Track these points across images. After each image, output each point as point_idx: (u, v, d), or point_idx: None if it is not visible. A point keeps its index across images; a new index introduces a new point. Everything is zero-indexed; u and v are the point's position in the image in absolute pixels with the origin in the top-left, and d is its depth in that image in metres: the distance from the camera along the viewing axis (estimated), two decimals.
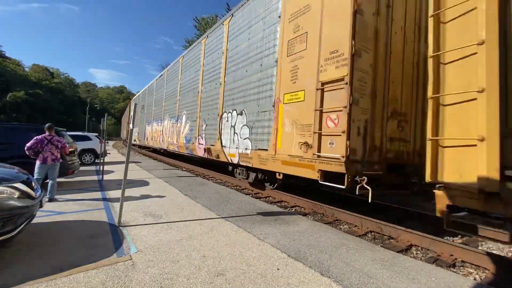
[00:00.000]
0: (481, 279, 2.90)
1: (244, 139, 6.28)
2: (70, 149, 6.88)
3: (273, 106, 5.44)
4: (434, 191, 2.58)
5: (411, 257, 3.29)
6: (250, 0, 6.71)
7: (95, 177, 8.26)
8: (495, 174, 2.09)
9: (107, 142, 28.38)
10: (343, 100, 3.97)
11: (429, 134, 2.60)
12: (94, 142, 13.03)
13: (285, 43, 5.24)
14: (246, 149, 6.19)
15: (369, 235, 4.15)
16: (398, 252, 3.41)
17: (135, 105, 4.40)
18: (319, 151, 4.30)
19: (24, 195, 3.00)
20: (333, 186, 4.09)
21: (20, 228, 2.83)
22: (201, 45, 9.61)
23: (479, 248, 3.64)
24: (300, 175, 4.66)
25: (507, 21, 2.16)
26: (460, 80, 2.41)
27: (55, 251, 2.95)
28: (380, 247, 3.47)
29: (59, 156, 5.35)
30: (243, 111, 6.48)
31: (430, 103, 2.61)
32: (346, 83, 3.93)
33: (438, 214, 2.56)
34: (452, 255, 3.35)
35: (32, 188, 3.24)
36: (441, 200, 2.50)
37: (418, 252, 3.59)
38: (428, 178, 2.59)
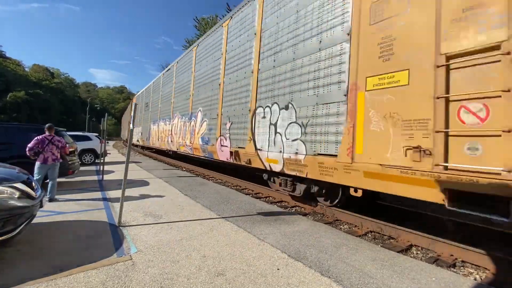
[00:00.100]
0: (481, 279, 2.90)
1: (293, 140, 4.87)
2: (70, 149, 6.88)
3: (345, 95, 3.96)
4: None
5: (411, 257, 3.29)
6: None
7: (95, 177, 8.26)
8: None
9: (107, 142, 28.42)
10: (498, 81, 2.57)
11: None
12: (94, 142, 13.04)
13: (364, 8, 3.82)
14: (296, 153, 4.78)
15: (369, 235, 4.15)
16: (398, 252, 3.40)
17: (135, 105, 4.40)
18: (446, 160, 2.86)
19: (24, 195, 3.00)
20: (476, 214, 2.67)
21: (20, 228, 2.83)
22: (222, 30, 8.13)
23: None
24: (404, 195, 3.21)
25: None
26: None
27: (55, 251, 2.95)
28: (380, 247, 3.47)
29: (59, 156, 5.36)
30: (290, 105, 5.03)
31: None
32: (508, 53, 2.52)
33: None
34: (452, 255, 3.35)
35: (32, 188, 3.24)
36: None
37: (418, 252, 3.59)
38: None
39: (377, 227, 4.24)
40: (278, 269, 2.69)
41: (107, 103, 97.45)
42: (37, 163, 5.01)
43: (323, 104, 4.41)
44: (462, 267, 3.17)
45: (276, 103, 5.44)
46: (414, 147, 3.11)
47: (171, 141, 12.24)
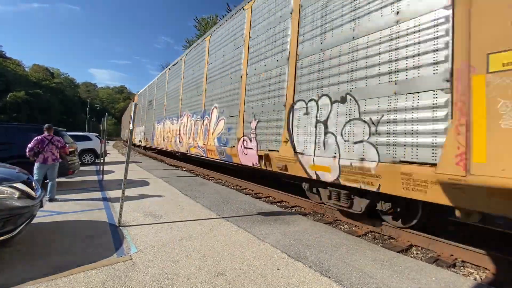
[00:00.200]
0: (481, 279, 2.90)
1: (355, 143, 3.76)
2: (70, 149, 6.89)
3: (448, 80, 2.88)
4: None
5: (411, 257, 3.29)
6: None
7: (95, 177, 8.26)
8: None
9: (107, 142, 28.43)
10: None
11: None
12: (94, 142, 13.04)
13: None
14: (361, 159, 3.64)
15: (369, 235, 4.15)
16: (398, 252, 3.40)
17: (135, 104, 4.39)
18: None
19: (24, 195, 3.00)
20: None
21: (20, 228, 2.83)
22: (243, 13, 7.01)
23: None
24: None
25: None
26: None
27: (55, 251, 2.95)
28: (380, 247, 3.47)
29: (58, 156, 5.36)
30: (349, 97, 3.91)
31: None
32: None
33: None
34: (452, 255, 3.35)
35: (32, 188, 3.24)
36: None
37: (418, 252, 3.59)
38: None
39: (377, 227, 4.23)
40: (278, 269, 2.69)
41: (107, 103, 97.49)
42: (37, 163, 5.01)
43: (406, 94, 3.26)
44: (462, 267, 3.17)
45: (326, 95, 4.30)
46: None
47: (179, 141, 11.10)
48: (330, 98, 4.26)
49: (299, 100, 4.87)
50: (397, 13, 3.44)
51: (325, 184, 4.63)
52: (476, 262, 3.18)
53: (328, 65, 4.34)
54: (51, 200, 5.10)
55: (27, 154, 4.94)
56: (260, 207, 5.18)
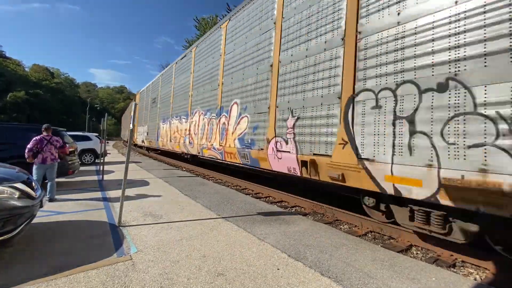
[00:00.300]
0: (481, 279, 2.90)
1: (469, 147, 2.70)
2: (70, 149, 6.89)
3: None
4: None
5: (411, 257, 3.29)
6: None
7: (95, 177, 8.27)
8: None
9: (107, 142, 28.44)
10: None
11: None
12: (94, 142, 13.05)
13: None
14: (483, 171, 2.57)
15: (369, 235, 4.15)
16: (398, 252, 3.41)
17: (135, 104, 4.39)
18: None
19: (24, 195, 3.00)
20: None
21: (20, 228, 2.83)
22: None
23: None
24: None
25: None
26: None
27: (55, 251, 2.95)
28: (380, 247, 3.47)
29: (57, 156, 5.37)
30: (453, 83, 2.86)
31: None
32: None
33: None
34: (452, 255, 3.35)
35: (32, 188, 3.25)
36: None
37: (418, 252, 3.59)
38: None
39: (377, 227, 4.24)
40: (278, 269, 2.70)
41: (107, 103, 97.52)
42: (36, 163, 5.01)
43: None
44: (462, 267, 3.17)
45: (410, 82, 3.22)
46: None
47: (189, 142, 10.03)
48: (417, 86, 3.17)
49: (363, 90, 3.76)
50: None
51: (408, 201, 3.44)
52: (476, 262, 3.18)
53: (412, 41, 3.25)
54: (51, 200, 5.10)
55: (26, 155, 4.94)
56: (260, 207, 5.18)
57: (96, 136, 13.69)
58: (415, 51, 3.23)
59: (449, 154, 2.84)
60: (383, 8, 3.64)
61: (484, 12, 2.67)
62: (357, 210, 4.95)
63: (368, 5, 3.82)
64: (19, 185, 3.02)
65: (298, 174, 4.81)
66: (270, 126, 5.59)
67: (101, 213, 4.49)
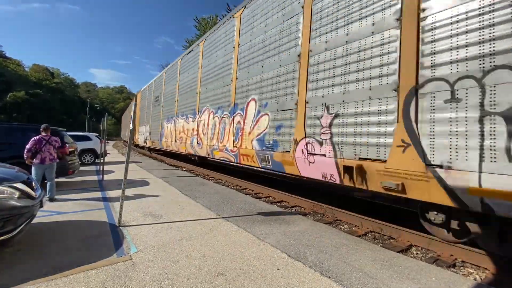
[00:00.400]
0: (481, 279, 2.90)
1: None
2: (70, 149, 6.89)
3: None
4: None
5: (411, 257, 3.29)
6: None
7: (95, 177, 8.27)
8: None
9: (107, 142, 28.44)
10: None
11: None
12: (94, 142, 13.05)
13: None
14: None
15: (369, 235, 4.15)
16: (398, 252, 3.40)
17: (135, 104, 4.40)
18: None
19: (24, 195, 3.00)
20: None
21: (20, 228, 2.83)
22: None
23: None
24: None
25: None
26: None
27: (55, 251, 2.95)
28: (380, 247, 3.47)
29: (56, 156, 5.37)
30: None
31: None
32: None
33: None
34: (452, 255, 3.35)
35: (32, 188, 3.25)
36: None
37: (418, 252, 3.59)
38: None
39: (377, 227, 4.24)
40: (278, 269, 2.70)
41: (107, 103, 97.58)
42: (35, 163, 5.01)
43: None
44: (462, 267, 3.17)
45: (507, 67, 2.55)
46: None
47: (197, 143, 9.37)
48: None
49: (431, 80, 3.09)
50: None
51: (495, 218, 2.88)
52: (476, 262, 3.18)
53: (502, 16, 2.59)
54: (51, 199, 5.11)
55: (25, 156, 4.94)
56: (260, 207, 5.18)
57: (96, 136, 13.69)
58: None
59: None
60: None
61: None
62: (357, 210, 4.95)
63: None
64: (19, 185, 3.02)
65: (337, 181, 4.09)
66: (298, 125, 4.90)
67: (101, 213, 4.49)
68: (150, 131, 17.09)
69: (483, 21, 2.74)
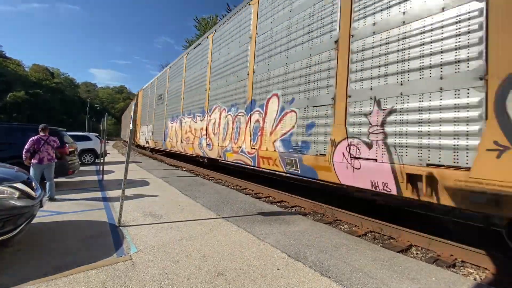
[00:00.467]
0: (481, 279, 2.90)
1: None
2: (70, 149, 6.89)
3: None
4: None
5: (411, 257, 3.29)
6: None
7: (95, 177, 8.27)
8: None
9: (107, 142, 28.43)
10: None
11: None
12: (94, 142, 13.06)
13: None
14: None
15: (369, 235, 4.15)
16: (398, 252, 3.40)
17: (135, 104, 4.40)
18: None
19: (24, 195, 3.00)
20: None
21: (20, 228, 2.83)
22: None
23: None
24: None
25: None
26: None
27: (55, 251, 2.95)
28: (380, 247, 3.47)
29: (54, 156, 5.37)
30: None
31: None
32: None
33: None
34: (452, 255, 3.35)
35: (32, 188, 3.25)
36: None
37: (418, 252, 3.59)
38: None
39: (377, 227, 4.24)
40: (278, 269, 2.70)
41: (107, 103, 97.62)
42: (33, 163, 5.01)
43: None
44: (462, 267, 3.17)
45: None
46: None
47: (206, 144, 8.71)
48: None
49: None
50: None
51: None
52: (476, 262, 3.18)
53: None
54: (51, 199, 5.11)
55: (24, 156, 4.95)
56: (260, 207, 5.18)
57: (96, 136, 13.69)
58: None
59: None
60: None
61: None
62: (357, 210, 4.95)
63: None
64: (19, 185, 3.02)
65: (393, 192, 3.38)
66: (337, 123, 4.20)
67: (101, 213, 4.49)
68: (152, 131, 16.45)
69: None
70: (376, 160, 3.59)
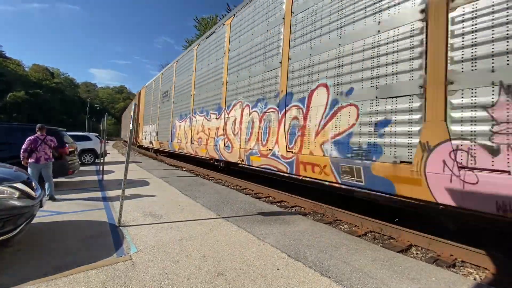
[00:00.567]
0: (481, 279, 2.90)
1: None
2: (70, 149, 6.89)
3: None
4: None
5: (411, 257, 3.29)
6: None
7: (95, 177, 8.27)
8: None
9: (107, 142, 28.42)
10: None
11: None
12: (94, 142, 13.06)
13: None
14: None
15: (369, 235, 4.15)
16: (398, 252, 3.40)
17: (135, 104, 4.40)
18: None
19: (24, 195, 3.00)
20: None
21: (20, 228, 2.83)
22: None
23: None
24: None
25: None
26: None
27: (55, 251, 2.95)
28: (380, 247, 3.47)
29: (51, 155, 5.37)
30: None
31: None
32: None
33: None
34: (452, 255, 3.35)
35: (32, 188, 3.25)
36: None
37: (418, 252, 3.59)
38: None
39: (377, 227, 4.24)
40: (278, 269, 2.70)
41: (107, 103, 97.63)
42: (30, 163, 5.01)
43: None
44: (462, 267, 3.17)
45: None
46: None
47: (224, 146, 7.64)
48: None
49: None
50: None
51: None
52: (476, 262, 3.18)
53: None
54: (51, 198, 5.11)
55: (21, 156, 4.95)
56: (260, 207, 5.18)
57: (96, 136, 13.70)
58: None
59: None
60: None
61: None
62: (357, 210, 4.95)
63: None
64: (19, 185, 3.02)
65: None
66: (431, 119, 3.12)
67: (101, 213, 4.49)
68: (157, 131, 15.28)
69: None
70: (509, 172, 2.54)
